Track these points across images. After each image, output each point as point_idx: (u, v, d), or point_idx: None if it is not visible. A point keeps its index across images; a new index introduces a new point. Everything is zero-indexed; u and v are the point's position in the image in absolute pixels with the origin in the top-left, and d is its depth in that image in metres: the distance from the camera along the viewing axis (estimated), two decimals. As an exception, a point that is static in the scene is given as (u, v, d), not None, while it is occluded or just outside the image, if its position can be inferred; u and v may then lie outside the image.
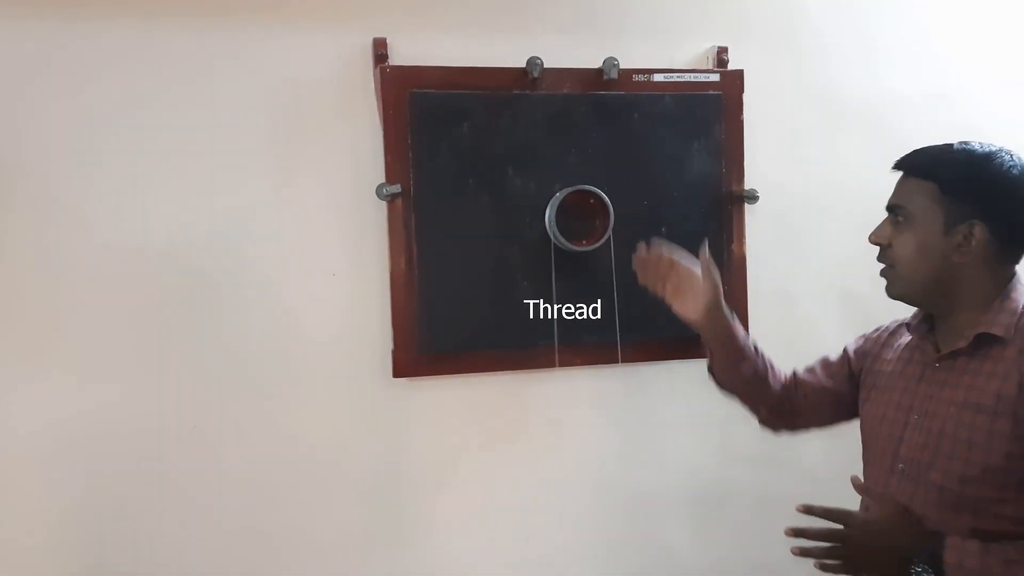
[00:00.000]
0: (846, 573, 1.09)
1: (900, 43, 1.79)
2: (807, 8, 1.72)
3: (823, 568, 1.10)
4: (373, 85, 1.51)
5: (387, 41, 1.50)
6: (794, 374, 1.38)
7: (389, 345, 1.52)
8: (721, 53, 1.64)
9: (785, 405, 1.37)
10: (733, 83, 1.62)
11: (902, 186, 1.18)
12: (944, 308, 1.16)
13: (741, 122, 1.62)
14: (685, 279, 1.32)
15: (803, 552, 1.09)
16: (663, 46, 1.65)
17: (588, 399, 1.65)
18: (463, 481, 1.61)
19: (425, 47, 1.53)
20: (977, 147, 1.14)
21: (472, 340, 1.53)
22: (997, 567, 1.02)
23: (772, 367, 1.37)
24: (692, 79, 1.60)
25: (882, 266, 1.20)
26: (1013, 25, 1.86)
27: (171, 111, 1.46)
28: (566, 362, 1.55)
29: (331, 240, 1.53)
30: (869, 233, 1.20)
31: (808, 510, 1.09)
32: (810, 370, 1.38)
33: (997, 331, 1.09)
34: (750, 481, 1.72)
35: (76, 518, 1.46)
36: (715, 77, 1.61)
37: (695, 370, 1.57)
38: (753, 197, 1.62)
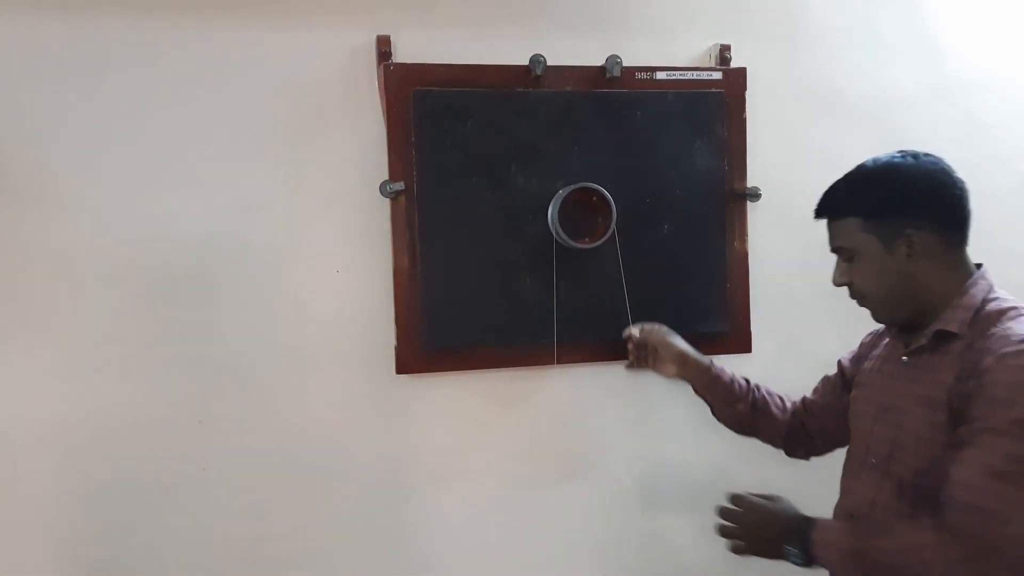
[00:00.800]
0: (740, 551, 1.22)
1: (904, 39, 1.78)
2: (810, 5, 1.72)
3: (728, 547, 1.23)
4: (376, 82, 1.51)
5: (390, 39, 1.50)
6: (803, 399, 1.44)
7: (392, 342, 1.53)
8: (724, 51, 1.64)
9: (800, 431, 1.43)
10: (736, 81, 1.62)
11: (832, 229, 1.22)
12: (925, 313, 1.18)
13: (744, 120, 1.63)
14: (659, 347, 1.47)
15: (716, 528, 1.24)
16: (666, 44, 1.65)
17: (591, 396, 1.66)
18: (465, 477, 1.61)
19: (428, 45, 1.54)
20: (873, 165, 1.19)
21: (475, 337, 1.53)
22: (861, 540, 1.09)
23: (773, 397, 1.45)
24: (695, 77, 1.60)
25: (858, 300, 1.25)
26: (1017, 19, 1.86)
27: (175, 107, 1.47)
28: (566, 359, 1.56)
29: (334, 237, 1.53)
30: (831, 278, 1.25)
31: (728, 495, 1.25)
32: (815, 391, 1.44)
33: (952, 327, 1.13)
34: (751, 478, 1.71)
35: (79, 512, 1.47)
36: (718, 75, 1.61)
37: (697, 367, 1.58)
38: (755, 195, 1.63)
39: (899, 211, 1.15)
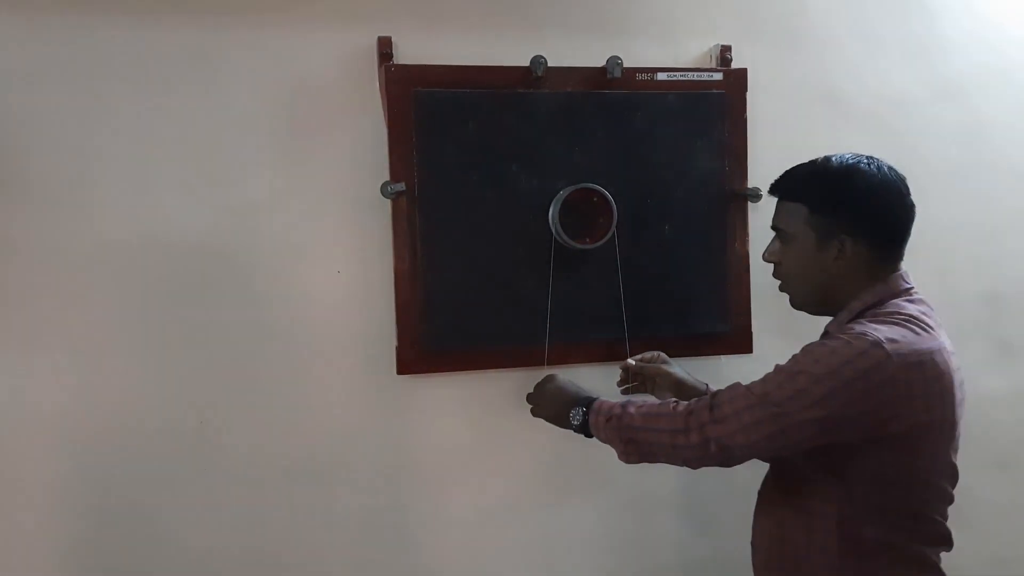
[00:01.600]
0: (535, 413, 1.45)
1: (905, 40, 1.79)
2: (811, 6, 1.73)
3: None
4: (377, 83, 1.52)
5: (391, 39, 1.50)
6: None
7: (393, 342, 1.53)
8: (724, 52, 1.65)
9: None
10: (736, 82, 1.62)
11: (779, 209, 1.28)
12: (833, 311, 1.25)
13: (744, 121, 1.62)
14: (656, 376, 1.49)
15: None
16: (666, 45, 1.65)
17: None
18: (466, 478, 1.62)
19: (429, 46, 1.54)
20: (837, 164, 1.22)
21: (476, 337, 1.53)
22: (623, 408, 1.25)
23: None
24: (695, 78, 1.60)
25: (779, 283, 1.30)
26: (1017, 19, 1.86)
27: (175, 108, 1.47)
28: (564, 360, 1.56)
29: (335, 238, 1.54)
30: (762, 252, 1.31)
31: None
32: None
33: (832, 328, 1.23)
34: (754, 478, 1.72)
35: (80, 511, 1.47)
36: (718, 76, 1.61)
37: (700, 368, 1.58)
38: (756, 196, 1.62)
39: (842, 214, 1.19)
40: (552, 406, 1.39)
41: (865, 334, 1.10)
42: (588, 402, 1.32)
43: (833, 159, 1.23)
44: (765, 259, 1.31)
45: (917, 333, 1.12)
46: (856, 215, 1.19)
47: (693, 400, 1.21)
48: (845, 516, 1.17)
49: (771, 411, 1.11)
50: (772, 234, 1.67)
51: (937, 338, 1.15)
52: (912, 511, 1.17)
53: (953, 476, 1.19)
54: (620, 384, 1.54)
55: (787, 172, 1.27)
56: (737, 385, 1.17)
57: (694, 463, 1.19)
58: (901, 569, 1.17)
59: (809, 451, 1.15)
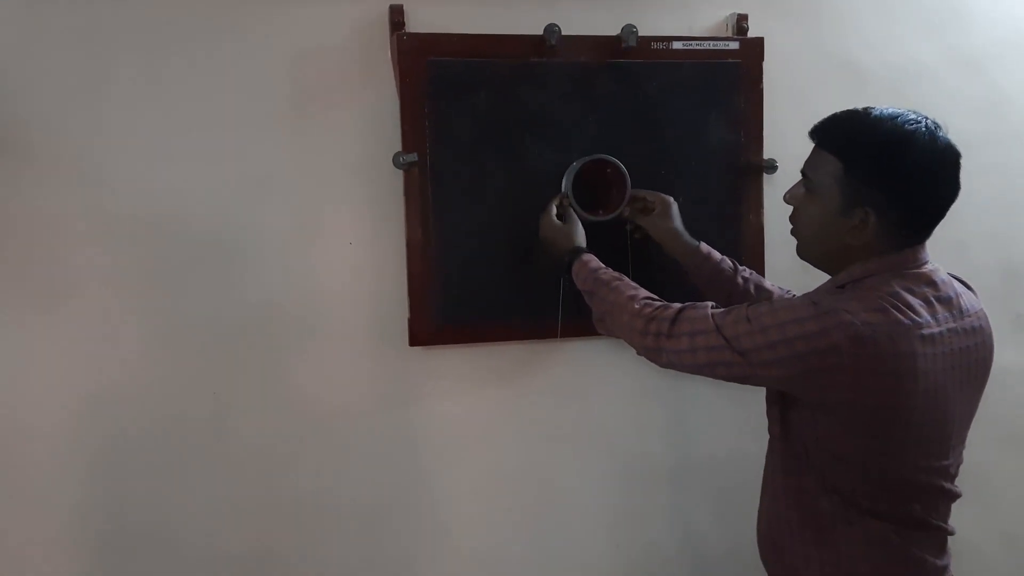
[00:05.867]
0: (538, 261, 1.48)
1: (924, 10, 1.76)
2: (829, -26, 1.70)
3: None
4: (389, 53, 1.50)
5: (403, 8, 1.49)
6: None
7: (405, 314, 1.52)
8: (741, 20, 1.62)
9: None
10: (753, 51, 1.60)
11: (814, 155, 1.17)
12: (830, 272, 1.20)
13: (760, 91, 1.60)
14: (659, 204, 1.49)
15: None
16: (682, 13, 1.63)
17: (605, 369, 1.65)
18: (478, 449, 1.62)
19: (442, 15, 1.52)
20: (890, 126, 1.09)
21: (488, 309, 1.53)
22: (595, 286, 1.31)
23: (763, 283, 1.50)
24: (711, 47, 1.58)
25: (791, 227, 1.24)
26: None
27: (187, 78, 1.46)
28: (571, 333, 1.54)
29: (347, 209, 1.53)
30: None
31: None
32: None
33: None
34: (761, 453, 1.71)
35: (95, 486, 1.48)
36: (735, 45, 1.59)
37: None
38: (772, 167, 1.61)
39: (875, 188, 1.09)
40: (552, 254, 1.44)
41: (835, 312, 1.05)
42: (573, 255, 1.37)
43: (887, 118, 1.09)
44: (784, 200, 1.22)
45: (888, 312, 1.05)
46: (894, 192, 1.08)
47: (660, 306, 1.22)
48: (804, 488, 1.17)
49: (725, 355, 1.12)
50: (785, 208, 1.66)
51: (917, 319, 1.06)
52: (870, 489, 1.13)
53: (928, 470, 1.12)
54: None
55: (833, 117, 1.15)
56: (706, 317, 1.16)
57: (644, 356, 1.25)
58: (859, 546, 1.14)
59: (783, 424, 1.22)
